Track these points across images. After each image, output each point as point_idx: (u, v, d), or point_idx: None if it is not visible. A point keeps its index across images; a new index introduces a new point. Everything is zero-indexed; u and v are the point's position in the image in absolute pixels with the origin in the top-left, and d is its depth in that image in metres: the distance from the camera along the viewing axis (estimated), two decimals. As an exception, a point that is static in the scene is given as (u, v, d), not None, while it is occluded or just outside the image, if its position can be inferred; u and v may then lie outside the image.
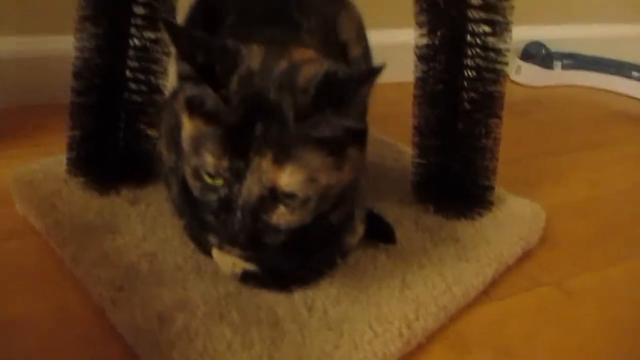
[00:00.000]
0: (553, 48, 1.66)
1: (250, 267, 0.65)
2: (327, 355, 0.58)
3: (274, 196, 0.53)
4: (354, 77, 0.53)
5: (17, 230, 0.77)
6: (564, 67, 1.67)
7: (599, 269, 0.86)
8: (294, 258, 0.66)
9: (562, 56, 1.67)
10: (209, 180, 0.54)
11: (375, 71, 0.52)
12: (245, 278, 0.66)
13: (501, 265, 0.78)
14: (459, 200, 0.85)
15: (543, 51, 1.64)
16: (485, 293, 0.76)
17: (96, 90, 0.78)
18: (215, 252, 0.66)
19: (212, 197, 0.55)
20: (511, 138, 1.25)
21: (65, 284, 0.68)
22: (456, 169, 0.84)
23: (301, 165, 0.52)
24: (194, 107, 0.55)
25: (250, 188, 0.52)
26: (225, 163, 0.52)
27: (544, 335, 0.72)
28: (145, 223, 0.75)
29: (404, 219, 0.83)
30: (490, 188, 0.86)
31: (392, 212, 0.83)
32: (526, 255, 0.84)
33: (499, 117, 0.81)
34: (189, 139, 0.55)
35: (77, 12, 0.75)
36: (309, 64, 0.55)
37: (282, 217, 0.55)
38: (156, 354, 0.57)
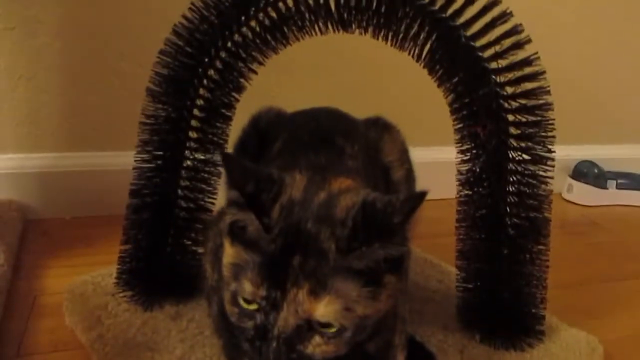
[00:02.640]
0: (605, 167, 1.64)
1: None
2: None
3: (309, 326, 0.53)
4: (393, 206, 0.53)
5: (63, 343, 0.79)
6: (618, 186, 1.63)
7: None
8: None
9: (617, 175, 1.64)
10: (245, 306, 0.55)
11: (415, 199, 0.53)
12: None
13: None
14: (507, 329, 0.81)
15: (595, 170, 1.62)
16: None
17: (150, 207, 0.82)
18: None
19: (249, 324, 0.55)
20: (566, 260, 1.21)
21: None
22: (502, 296, 0.81)
23: (338, 297, 0.52)
24: (237, 233, 0.57)
25: (287, 318, 0.52)
26: (262, 292, 0.53)
27: None
28: (185, 341, 0.75)
29: (449, 347, 0.79)
30: (540, 317, 0.82)
31: (436, 339, 0.80)
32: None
33: (545, 244, 0.79)
34: (229, 264, 0.57)
35: (137, 136, 0.81)
36: (347, 194, 0.57)
37: (317, 347, 0.54)
38: None
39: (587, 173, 1.62)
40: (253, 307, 0.54)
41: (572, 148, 1.62)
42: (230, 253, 0.57)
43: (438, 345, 0.79)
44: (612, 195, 1.63)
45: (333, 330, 0.54)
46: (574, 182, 1.62)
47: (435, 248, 1.09)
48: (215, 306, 0.71)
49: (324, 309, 0.52)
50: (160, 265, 0.82)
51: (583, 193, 1.62)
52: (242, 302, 0.55)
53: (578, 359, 0.80)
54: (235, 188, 0.55)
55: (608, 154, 1.69)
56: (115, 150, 1.17)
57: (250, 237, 0.55)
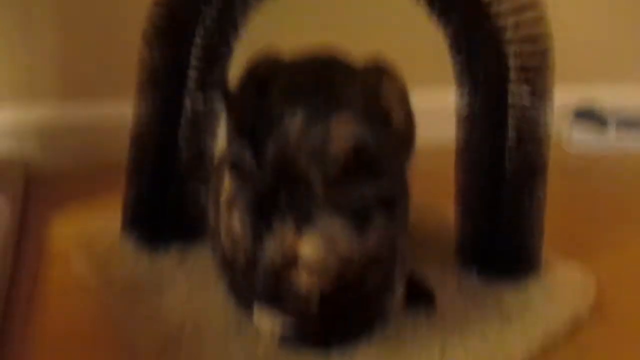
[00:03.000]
0: (607, 111, 1.63)
1: (287, 325, 0.65)
2: None
3: (294, 261, 0.55)
4: (386, 145, 0.54)
5: (72, 288, 0.82)
6: (619, 130, 1.63)
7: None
8: (332, 321, 0.66)
9: (618, 119, 1.64)
10: (237, 239, 0.57)
11: (409, 140, 0.54)
12: (284, 339, 0.66)
13: (549, 337, 0.75)
14: (504, 264, 0.83)
15: (596, 114, 1.62)
16: None
17: (151, 153, 0.83)
18: (255, 313, 0.67)
19: (240, 258, 0.57)
20: (563, 204, 1.22)
21: (115, 341, 0.71)
22: (500, 233, 0.83)
23: (322, 234, 0.54)
24: (233, 170, 0.58)
25: (273, 252, 0.54)
26: (249, 225, 0.54)
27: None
28: (191, 281, 0.78)
29: (446, 282, 0.81)
30: (537, 252, 0.84)
31: (434, 276, 0.82)
32: (577, 326, 0.80)
33: (543, 181, 0.80)
34: (225, 200, 0.58)
35: (137, 80, 0.81)
36: (341, 133, 0.58)
37: (302, 281, 0.56)
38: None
39: (588, 117, 1.61)
40: (244, 241, 0.56)
41: (572, 90, 1.60)
42: (226, 189, 0.58)
43: (436, 281, 0.80)
44: (613, 139, 1.63)
45: (318, 265, 0.55)
46: (573, 126, 1.62)
47: (434, 192, 1.11)
48: (218, 247, 0.72)
49: (307, 246, 0.54)
50: (164, 210, 0.84)
51: (583, 137, 1.62)
52: (234, 236, 0.57)
53: (572, 294, 0.82)
54: (233, 124, 0.56)
55: (609, 97, 1.68)
56: (114, 98, 1.17)
57: (245, 174, 0.56)
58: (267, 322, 0.66)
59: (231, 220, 0.56)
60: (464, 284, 0.82)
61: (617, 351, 0.78)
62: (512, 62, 0.75)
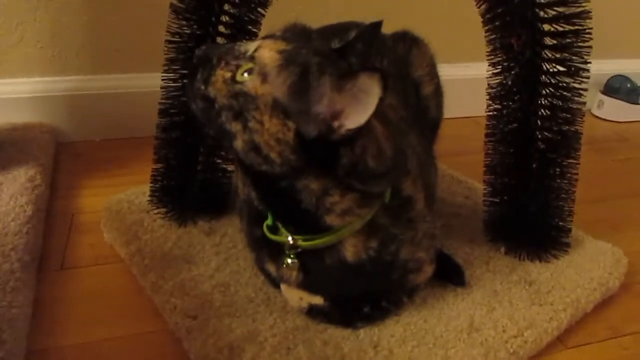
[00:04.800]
0: (638, 82, 1.59)
1: (316, 301, 0.66)
2: (392, 396, 0.58)
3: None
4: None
5: (103, 257, 0.83)
6: (649, 102, 1.59)
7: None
8: (360, 294, 0.66)
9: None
10: None
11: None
12: (312, 312, 0.67)
13: (578, 312, 0.75)
14: (533, 241, 0.82)
15: (628, 85, 1.57)
16: (561, 340, 0.73)
17: (179, 126, 0.83)
18: (283, 285, 0.68)
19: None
20: (594, 177, 1.20)
21: (144, 311, 0.72)
22: (530, 209, 0.81)
23: None
24: None
25: None
26: None
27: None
28: (220, 254, 0.78)
29: (475, 259, 0.81)
30: (566, 229, 0.83)
31: (462, 252, 0.82)
32: (606, 303, 0.80)
33: (575, 158, 0.78)
34: None
35: (164, 55, 0.81)
36: None
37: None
38: (225, 384, 0.59)
39: (619, 88, 1.57)
40: None
41: (604, 62, 1.56)
42: None
43: (464, 257, 0.81)
44: (644, 110, 1.59)
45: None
46: (605, 97, 1.58)
47: (461, 165, 1.09)
48: (246, 220, 0.73)
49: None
50: (192, 183, 0.84)
51: (614, 109, 1.58)
52: None
53: (602, 270, 0.81)
54: None
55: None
56: (141, 72, 1.17)
57: None
58: (295, 295, 0.67)
59: None
60: (493, 260, 0.81)
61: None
62: (546, 39, 0.72)
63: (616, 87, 1.57)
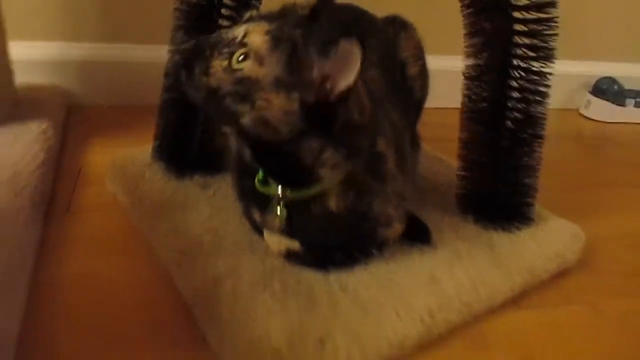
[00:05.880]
0: (625, 85, 1.65)
1: (293, 246, 0.74)
2: (352, 330, 0.65)
3: None
4: None
5: (105, 204, 0.91)
6: (637, 104, 1.66)
7: (638, 297, 0.87)
8: (334, 243, 0.74)
9: (636, 94, 1.66)
10: None
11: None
12: (289, 256, 0.75)
13: (533, 278, 0.82)
14: (500, 213, 0.89)
15: (615, 87, 1.64)
16: (515, 302, 0.80)
17: (181, 90, 0.90)
18: (266, 232, 0.76)
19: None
20: (573, 169, 1.28)
21: (140, 250, 0.80)
22: (498, 184, 0.89)
23: None
24: None
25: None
26: None
27: (567, 349, 0.74)
28: (212, 205, 0.86)
29: (444, 226, 0.88)
30: (531, 205, 0.90)
31: (434, 219, 0.88)
32: (563, 275, 0.87)
33: (541, 138, 0.85)
34: None
35: (172, 23, 0.88)
36: None
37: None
38: (209, 310, 0.67)
39: (607, 90, 1.64)
40: None
41: (592, 64, 1.63)
42: None
43: (435, 224, 0.87)
44: (630, 113, 1.66)
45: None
46: (592, 98, 1.65)
47: (446, 150, 1.16)
48: (236, 174, 0.80)
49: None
50: (191, 141, 0.92)
51: (601, 109, 1.65)
52: None
53: (561, 244, 0.87)
54: None
55: (629, 71, 1.70)
56: (153, 43, 1.25)
57: None
58: (275, 241, 0.75)
59: None
60: (461, 228, 0.88)
61: (597, 298, 0.84)
62: (517, 26, 0.79)
63: (604, 89, 1.64)
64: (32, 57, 1.23)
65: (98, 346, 0.65)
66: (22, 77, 1.19)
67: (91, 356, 0.64)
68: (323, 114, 0.63)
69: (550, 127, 0.88)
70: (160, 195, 0.88)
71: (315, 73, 0.61)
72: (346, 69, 0.59)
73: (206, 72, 0.62)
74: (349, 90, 0.61)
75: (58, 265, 0.77)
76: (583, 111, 1.67)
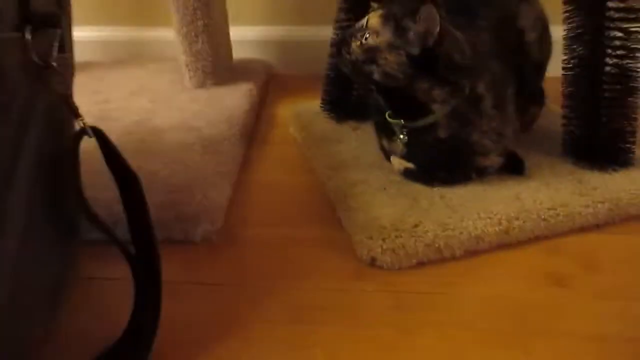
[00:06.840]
0: None
1: (410, 166, 1.00)
2: (441, 221, 0.88)
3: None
4: None
5: (287, 139, 1.27)
6: None
7: None
8: (439, 165, 0.99)
9: None
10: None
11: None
12: (406, 173, 1.01)
13: (619, 209, 0.90)
14: (597, 155, 1.01)
15: None
16: (598, 226, 0.90)
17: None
18: (392, 157, 1.04)
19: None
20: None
21: (304, 168, 1.14)
22: (599, 129, 1.00)
23: None
24: None
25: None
26: None
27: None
28: (358, 140, 1.16)
29: (544, 165, 1.03)
30: (630, 151, 1.01)
31: (533, 159, 1.03)
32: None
33: (637, 90, 0.97)
34: None
35: (337, 6, 1.20)
36: None
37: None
38: (345, 203, 0.96)
39: None
40: None
41: None
42: None
43: (536, 163, 1.03)
44: None
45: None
46: None
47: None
48: (374, 116, 1.09)
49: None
50: (347, 96, 1.24)
51: None
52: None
53: (653, 186, 0.95)
54: None
55: None
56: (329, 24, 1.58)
57: None
58: (397, 162, 1.02)
59: None
60: (558, 166, 1.03)
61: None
62: None
63: None
64: (245, 38, 1.66)
65: (275, 221, 0.99)
66: (237, 53, 1.62)
67: (269, 223, 0.98)
68: (428, 60, 0.88)
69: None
70: (322, 133, 1.21)
71: (412, 32, 0.87)
72: (430, 22, 0.86)
73: (349, 52, 0.93)
74: (441, 37, 0.87)
75: (254, 173, 1.14)
76: None
